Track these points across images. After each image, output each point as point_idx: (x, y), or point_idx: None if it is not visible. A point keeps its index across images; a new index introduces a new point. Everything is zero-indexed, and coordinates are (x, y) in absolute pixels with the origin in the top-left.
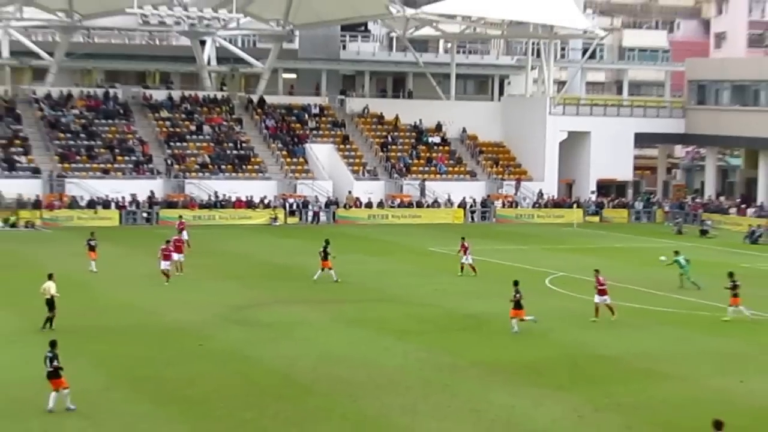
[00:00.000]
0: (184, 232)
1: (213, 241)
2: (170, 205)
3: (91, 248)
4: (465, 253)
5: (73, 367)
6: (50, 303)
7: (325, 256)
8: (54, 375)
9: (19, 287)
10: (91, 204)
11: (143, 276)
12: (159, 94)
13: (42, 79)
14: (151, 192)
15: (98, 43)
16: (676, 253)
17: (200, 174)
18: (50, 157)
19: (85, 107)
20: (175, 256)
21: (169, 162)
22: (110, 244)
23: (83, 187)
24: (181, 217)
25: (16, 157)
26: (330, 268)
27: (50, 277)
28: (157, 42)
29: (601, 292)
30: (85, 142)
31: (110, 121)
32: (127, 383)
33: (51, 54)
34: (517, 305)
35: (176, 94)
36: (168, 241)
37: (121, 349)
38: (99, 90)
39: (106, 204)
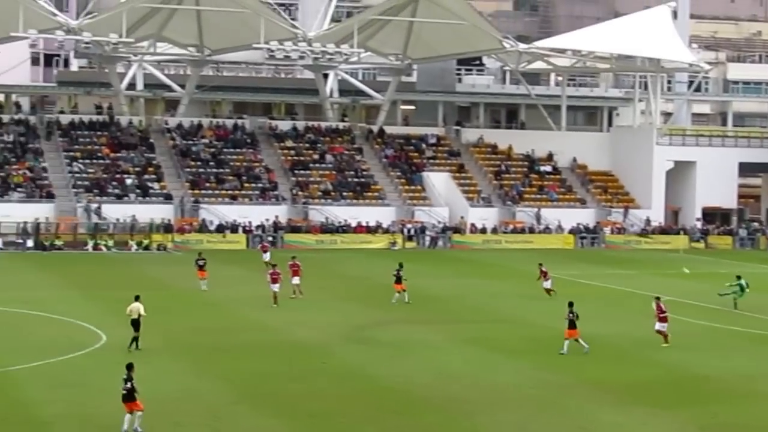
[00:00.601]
0: (267, 254)
1: (335, 264)
2: (294, 229)
3: (200, 268)
4: (545, 278)
5: (201, 382)
6: (136, 323)
7: (398, 279)
8: (129, 398)
9: (149, 306)
10: (220, 228)
11: (267, 297)
12: (284, 125)
13: (174, 110)
14: (276, 217)
15: (227, 77)
16: (738, 277)
17: (323, 200)
18: (181, 183)
19: (215, 137)
20: (295, 279)
21: (293, 189)
22: (237, 266)
23: (212, 212)
24: (262, 239)
25: (149, 184)
26: (404, 290)
27: (137, 298)
28: (283, 75)
29: (662, 320)
30: (215, 170)
31: (238, 150)
32: (252, 398)
33: (182, 86)
34: (572, 325)
35: (300, 125)
36: (275, 265)
37: (248, 366)
38: (228, 120)
39: (233, 228)
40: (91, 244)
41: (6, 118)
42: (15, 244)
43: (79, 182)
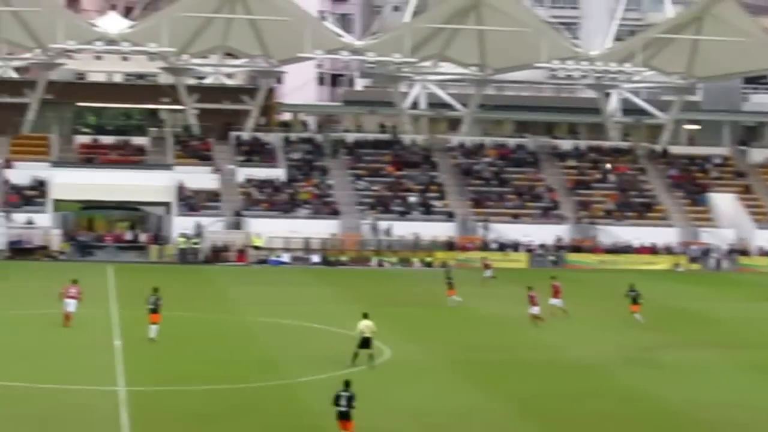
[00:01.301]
0: (489, 270)
1: (616, 285)
2: (576, 249)
3: (450, 286)
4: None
5: (485, 399)
6: (367, 341)
7: (634, 300)
8: (344, 416)
9: (431, 323)
10: (502, 247)
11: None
12: (566, 144)
13: (456, 128)
14: (558, 237)
15: (509, 96)
16: None
17: (605, 220)
18: (463, 202)
19: (497, 156)
20: (554, 300)
21: (575, 209)
22: (517, 285)
23: (494, 230)
24: (486, 257)
25: (432, 202)
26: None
27: (365, 316)
28: (564, 94)
29: None
30: (496, 189)
31: (520, 169)
32: (538, 417)
33: (465, 105)
34: None
35: (582, 144)
36: (530, 288)
37: (530, 384)
38: (510, 140)
39: (515, 247)
40: (375, 260)
41: (293, 136)
42: (301, 260)
43: (364, 200)
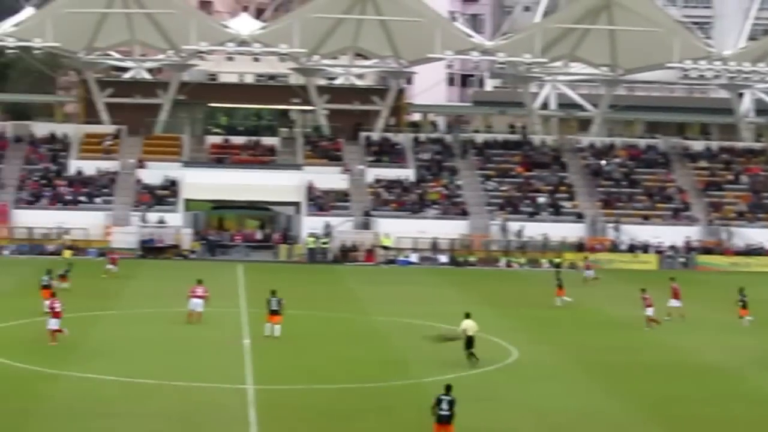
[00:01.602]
0: (591, 271)
1: (747, 288)
2: (707, 251)
3: (560, 286)
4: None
5: (610, 400)
6: (470, 341)
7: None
8: (445, 420)
9: (565, 324)
10: (631, 248)
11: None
12: (697, 145)
13: (586, 129)
14: (688, 238)
15: (640, 96)
16: None
17: (737, 222)
18: (593, 203)
19: (627, 156)
20: (673, 302)
21: (706, 210)
22: (648, 287)
23: (623, 231)
24: (586, 258)
25: (561, 203)
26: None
27: (468, 316)
28: (696, 94)
29: None
30: (626, 190)
31: (650, 170)
32: (664, 420)
33: (595, 106)
34: None
35: (714, 145)
36: (643, 290)
37: (658, 386)
38: (640, 140)
39: (645, 248)
40: (503, 261)
41: (423, 136)
42: (430, 260)
43: (493, 200)
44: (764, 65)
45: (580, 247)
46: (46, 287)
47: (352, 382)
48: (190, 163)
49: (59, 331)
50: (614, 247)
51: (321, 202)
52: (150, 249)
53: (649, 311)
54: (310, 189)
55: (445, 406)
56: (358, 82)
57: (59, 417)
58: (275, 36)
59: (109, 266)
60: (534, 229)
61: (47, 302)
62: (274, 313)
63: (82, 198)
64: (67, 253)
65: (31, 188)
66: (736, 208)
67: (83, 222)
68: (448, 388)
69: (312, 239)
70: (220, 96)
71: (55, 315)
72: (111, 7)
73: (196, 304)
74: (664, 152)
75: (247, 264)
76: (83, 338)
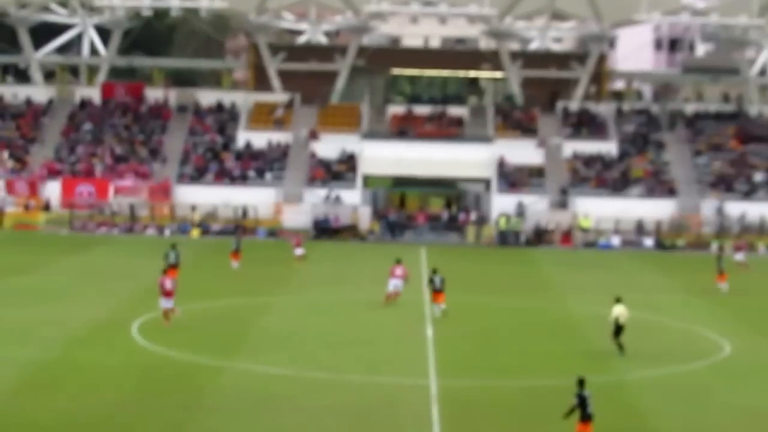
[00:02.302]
0: (741, 253)
1: None
2: None
3: (721, 272)
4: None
5: None
6: (620, 328)
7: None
8: (587, 418)
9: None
10: None
11: None
12: None
13: None
14: None
15: None
16: None
17: None
18: None
19: None
20: None
21: None
22: None
23: None
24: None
25: None
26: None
27: (618, 300)
28: None
29: None
30: None
31: None
32: None
33: None
34: None
35: None
36: None
37: None
38: None
39: None
40: (714, 245)
41: (627, 107)
42: (633, 243)
43: (704, 177)
44: None
45: None
46: (173, 266)
47: (545, 378)
48: (369, 136)
49: (172, 311)
50: None
51: (513, 178)
52: (324, 230)
53: None
54: (501, 164)
55: (591, 402)
56: (555, 47)
57: (222, 412)
58: None
59: (298, 250)
60: (749, 210)
61: (168, 282)
62: (438, 291)
63: (251, 173)
64: (195, 232)
65: (196, 162)
66: None
67: (252, 199)
68: (581, 383)
69: (503, 219)
70: (402, 62)
71: (167, 294)
72: None
73: (396, 285)
74: None
75: (430, 246)
76: (251, 327)
